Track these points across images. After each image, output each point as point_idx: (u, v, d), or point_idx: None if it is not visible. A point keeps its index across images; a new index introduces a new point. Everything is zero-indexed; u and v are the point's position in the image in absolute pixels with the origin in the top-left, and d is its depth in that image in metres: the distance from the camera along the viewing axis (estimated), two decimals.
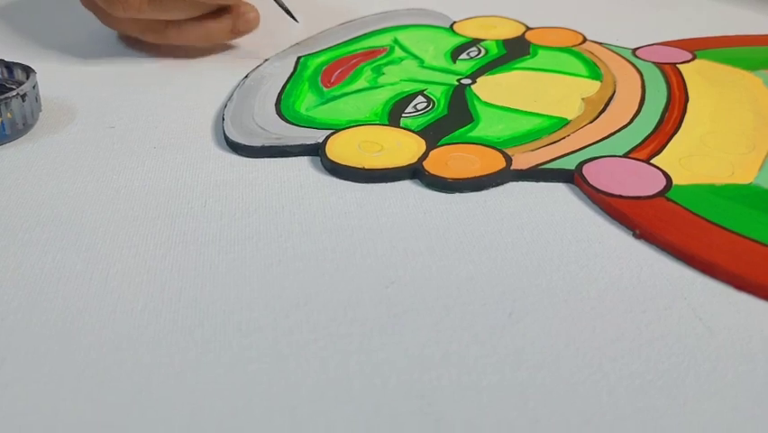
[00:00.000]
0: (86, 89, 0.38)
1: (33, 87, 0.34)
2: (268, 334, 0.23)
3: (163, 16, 0.40)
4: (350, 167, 0.30)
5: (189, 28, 0.41)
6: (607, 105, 0.36)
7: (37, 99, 0.35)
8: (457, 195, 0.30)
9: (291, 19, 0.41)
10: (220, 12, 0.41)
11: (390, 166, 0.31)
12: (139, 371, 0.21)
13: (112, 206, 0.29)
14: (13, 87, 0.35)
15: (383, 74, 0.39)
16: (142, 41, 0.43)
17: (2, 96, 0.33)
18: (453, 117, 0.35)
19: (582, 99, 0.37)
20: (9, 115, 0.33)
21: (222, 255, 0.26)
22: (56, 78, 0.39)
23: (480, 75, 0.39)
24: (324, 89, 0.38)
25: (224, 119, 0.34)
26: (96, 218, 0.28)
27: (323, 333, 0.23)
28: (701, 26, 0.47)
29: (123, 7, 0.39)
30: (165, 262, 0.26)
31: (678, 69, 0.40)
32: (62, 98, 0.37)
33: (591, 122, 0.34)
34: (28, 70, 0.35)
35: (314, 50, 0.42)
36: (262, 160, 0.32)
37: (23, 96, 0.33)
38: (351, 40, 0.44)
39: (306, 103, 0.36)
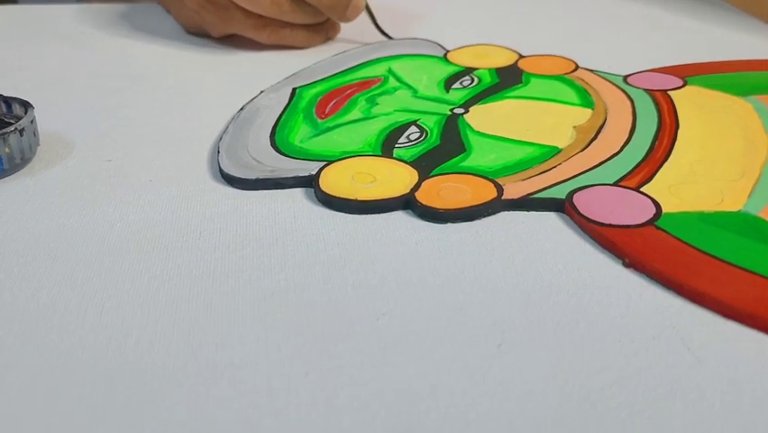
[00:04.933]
0: (84, 123, 0.39)
1: (31, 121, 0.35)
2: (259, 367, 0.23)
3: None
4: (343, 198, 0.31)
5: (299, 31, 0.49)
6: (598, 133, 0.36)
7: (35, 134, 0.35)
8: (449, 225, 0.30)
9: (383, 35, 0.50)
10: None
11: (383, 197, 0.31)
12: (131, 405, 0.21)
13: (107, 240, 0.29)
14: (12, 121, 0.36)
15: (377, 104, 0.40)
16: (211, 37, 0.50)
17: (0, 132, 0.33)
18: (446, 147, 0.35)
19: (574, 128, 0.37)
20: (7, 150, 0.33)
21: (215, 288, 0.26)
22: (54, 112, 0.40)
23: (472, 104, 0.40)
24: (319, 120, 0.38)
25: (219, 151, 0.35)
26: (91, 252, 0.28)
27: (314, 366, 0.23)
28: (693, 51, 0.48)
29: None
30: (159, 296, 0.26)
31: (669, 96, 0.40)
32: (60, 132, 0.38)
33: (582, 150, 0.35)
34: (26, 105, 0.36)
35: (309, 81, 0.43)
36: (257, 192, 0.32)
37: (21, 131, 0.34)
38: (346, 70, 0.45)
39: (300, 134, 0.37)
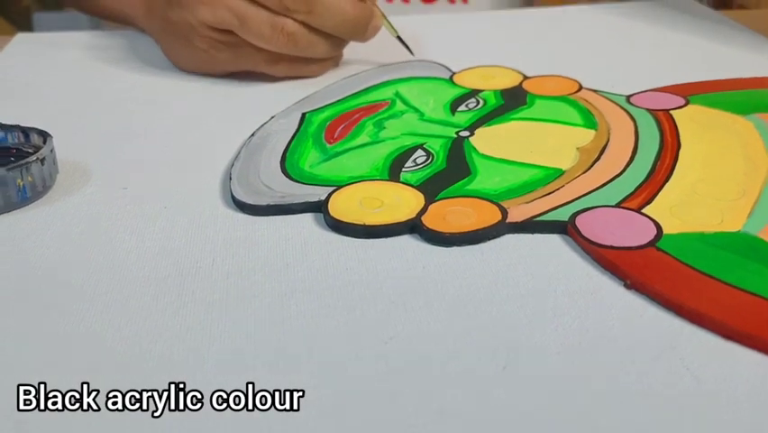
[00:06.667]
0: (100, 151, 0.40)
1: (51, 150, 0.36)
2: (271, 391, 0.24)
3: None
4: (351, 224, 0.32)
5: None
6: (601, 153, 0.37)
7: (54, 162, 0.37)
8: (455, 249, 0.31)
9: (408, 51, 0.51)
10: None
11: (390, 222, 0.32)
12: (151, 431, 0.22)
13: (124, 267, 0.30)
14: (30, 151, 0.37)
15: (384, 128, 0.41)
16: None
17: (23, 162, 0.34)
18: (451, 171, 0.36)
19: (577, 149, 0.38)
20: (30, 178, 0.35)
21: (228, 314, 0.27)
22: (71, 140, 0.41)
23: (477, 126, 0.40)
24: (328, 145, 0.39)
25: (231, 178, 0.36)
26: (108, 280, 0.29)
27: (324, 390, 0.24)
28: (697, 68, 0.49)
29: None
30: (174, 322, 0.27)
31: (671, 116, 0.41)
32: (78, 161, 0.39)
33: (585, 171, 0.36)
34: (44, 135, 0.37)
35: (318, 106, 0.44)
36: (267, 217, 0.33)
37: (42, 160, 0.35)
38: (354, 94, 0.45)
39: (309, 159, 0.38)
